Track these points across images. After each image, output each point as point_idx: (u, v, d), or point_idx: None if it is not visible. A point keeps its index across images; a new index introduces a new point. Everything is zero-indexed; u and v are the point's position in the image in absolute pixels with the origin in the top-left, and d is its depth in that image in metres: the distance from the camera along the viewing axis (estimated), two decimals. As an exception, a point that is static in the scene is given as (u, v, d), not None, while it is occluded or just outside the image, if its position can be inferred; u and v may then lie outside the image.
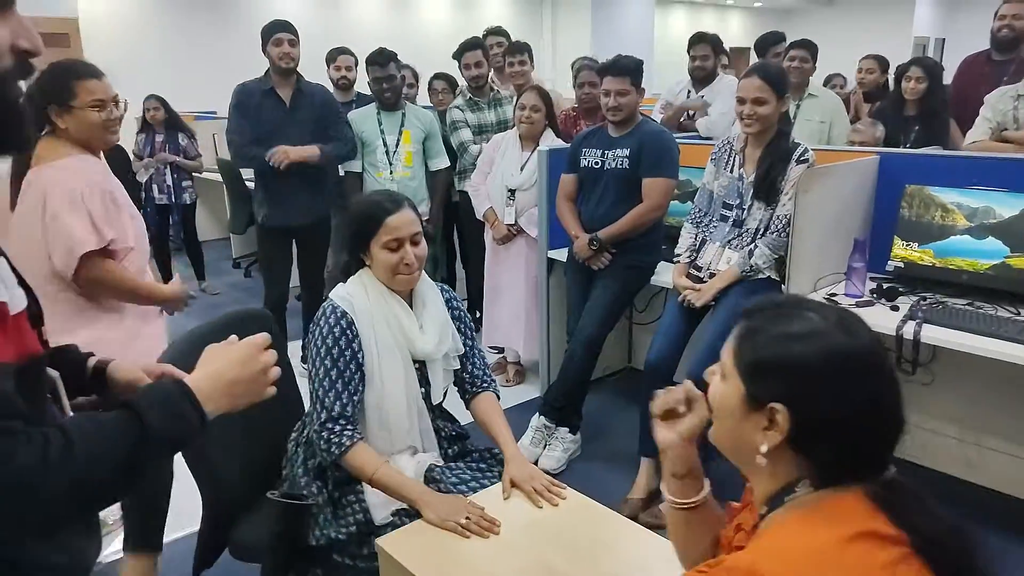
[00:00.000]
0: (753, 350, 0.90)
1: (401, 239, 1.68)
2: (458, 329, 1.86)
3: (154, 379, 1.07)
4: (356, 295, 1.72)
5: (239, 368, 0.93)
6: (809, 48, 3.93)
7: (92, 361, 1.08)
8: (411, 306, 1.77)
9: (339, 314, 1.69)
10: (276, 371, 0.98)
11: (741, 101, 2.49)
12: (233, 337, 1.00)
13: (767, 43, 4.39)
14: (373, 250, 1.70)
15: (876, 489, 0.85)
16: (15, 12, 0.78)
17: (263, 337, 0.98)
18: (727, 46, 4.64)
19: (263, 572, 1.82)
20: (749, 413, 0.89)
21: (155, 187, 5.19)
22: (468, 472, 1.73)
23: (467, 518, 1.46)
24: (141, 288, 2.04)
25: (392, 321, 1.72)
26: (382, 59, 3.53)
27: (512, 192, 3.42)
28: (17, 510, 0.70)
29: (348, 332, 1.67)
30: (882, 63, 4.79)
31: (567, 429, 2.92)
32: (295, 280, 3.76)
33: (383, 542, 1.43)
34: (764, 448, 0.88)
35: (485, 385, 1.87)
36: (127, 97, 5.39)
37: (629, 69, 2.79)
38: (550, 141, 3.41)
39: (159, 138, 5.25)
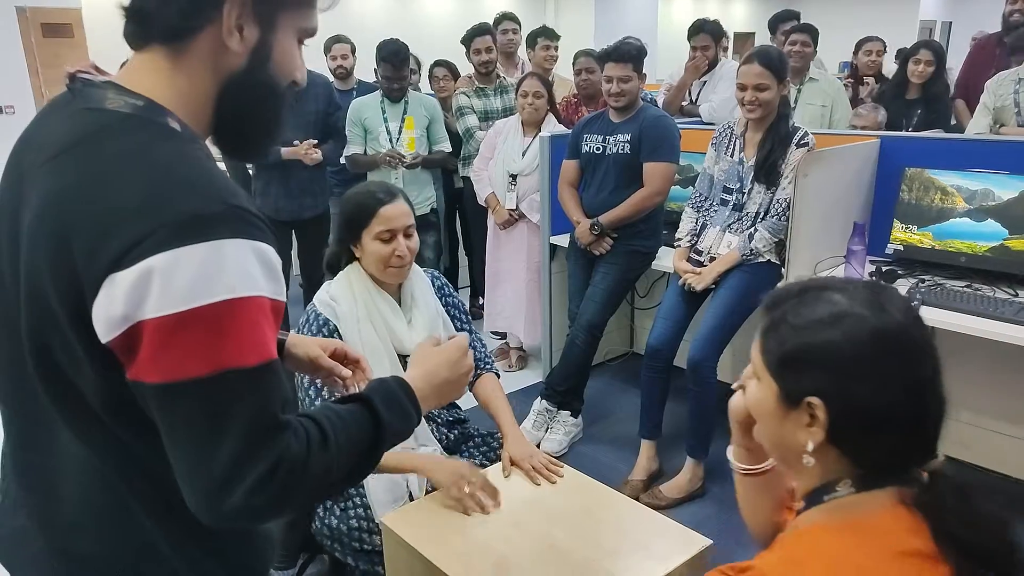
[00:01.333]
0: (779, 344, 0.83)
1: (394, 230, 1.67)
2: (451, 316, 1.86)
3: (329, 354, 1.16)
4: (340, 297, 1.71)
5: (449, 369, 1.00)
6: (810, 32, 3.92)
7: None
8: (399, 301, 1.77)
9: (321, 322, 1.68)
10: (472, 372, 1.06)
11: (742, 88, 2.50)
12: (438, 337, 1.08)
13: (779, 20, 4.39)
14: (364, 241, 1.69)
15: (918, 493, 0.79)
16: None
17: (465, 338, 1.06)
18: (731, 32, 4.63)
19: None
20: (787, 412, 0.83)
21: None
22: (476, 463, 1.74)
23: (470, 483, 1.48)
24: None
25: (377, 319, 1.71)
26: (397, 61, 3.50)
27: (514, 177, 3.44)
28: (283, 496, 0.76)
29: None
30: (885, 45, 4.76)
31: (569, 413, 2.95)
32: (296, 268, 3.78)
33: (387, 519, 1.46)
34: (810, 446, 0.81)
35: (485, 367, 1.88)
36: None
37: (631, 55, 2.79)
38: (552, 127, 3.42)
39: None
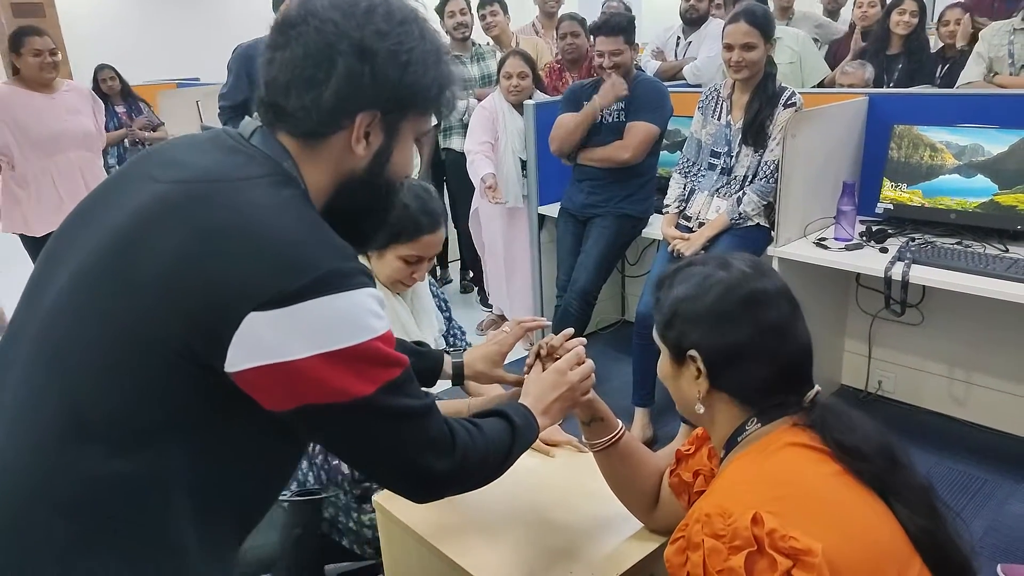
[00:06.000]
0: (662, 315, 1.02)
1: (424, 257, 1.59)
2: (438, 307, 1.83)
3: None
4: None
5: (550, 392, 1.17)
6: None
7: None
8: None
9: None
10: (590, 381, 1.21)
11: (729, 48, 2.45)
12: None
13: None
14: (389, 255, 1.59)
15: (810, 415, 0.95)
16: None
17: (564, 362, 1.20)
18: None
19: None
20: (680, 370, 1.01)
21: (116, 162, 4.94)
22: None
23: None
24: None
25: (395, 322, 1.63)
26: None
27: (525, 163, 3.33)
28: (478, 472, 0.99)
29: None
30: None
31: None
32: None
33: (380, 498, 1.45)
34: (700, 395, 0.98)
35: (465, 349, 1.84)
36: (109, 64, 5.29)
37: (621, 27, 2.74)
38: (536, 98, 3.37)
39: (120, 109, 5.09)
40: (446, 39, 3.87)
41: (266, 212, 0.80)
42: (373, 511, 1.62)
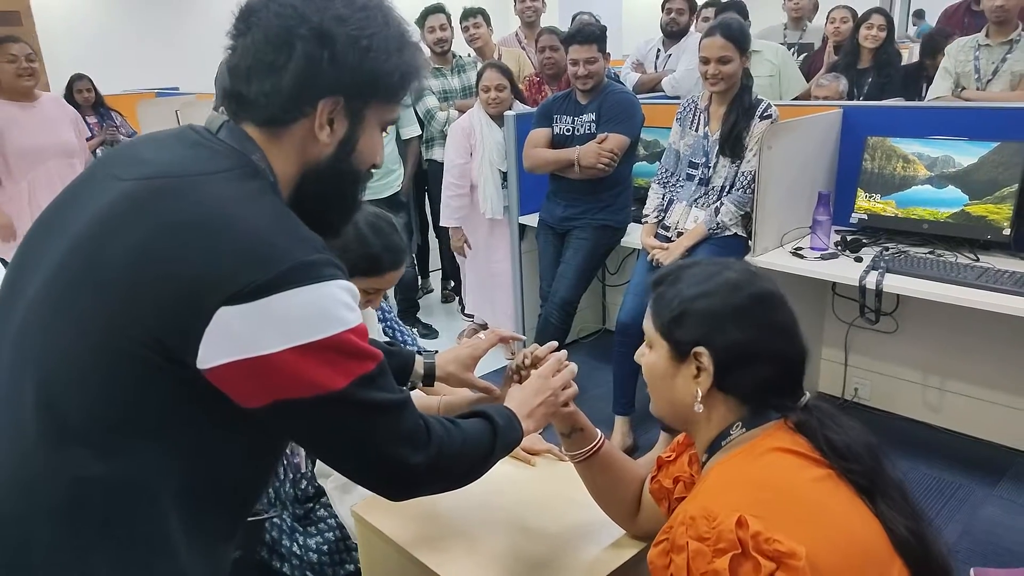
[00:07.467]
0: (667, 308, 0.99)
1: (382, 291, 1.63)
2: (393, 327, 1.84)
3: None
4: None
5: (534, 397, 1.17)
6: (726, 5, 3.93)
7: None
8: None
9: None
10: (571, 390, 1.21)
11: (705, 61, 2.49)
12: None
13: None
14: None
15: (796, 418, 0.95)
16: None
17: (546, 368, 1.21)
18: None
19: None
20: (678, 367, 0.99)
21: None
22: None
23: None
24: None
25: None
26: None
27: (504, 175, 3.34)
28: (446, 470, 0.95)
29: None
30: (854, 14, 4.75)
31: (544, 392, 2.94)
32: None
33: (358, 508, 1.45)
34: (700, 394, 0.96)
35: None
36: (86, 74, 5.23)
37: (595, 36, 2.77)
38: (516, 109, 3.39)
39: (92, 120, 5.04)
40: (427, 52, 3.92)
41: (232, 205, 0.79)
42: (318, 533, 1.61)
